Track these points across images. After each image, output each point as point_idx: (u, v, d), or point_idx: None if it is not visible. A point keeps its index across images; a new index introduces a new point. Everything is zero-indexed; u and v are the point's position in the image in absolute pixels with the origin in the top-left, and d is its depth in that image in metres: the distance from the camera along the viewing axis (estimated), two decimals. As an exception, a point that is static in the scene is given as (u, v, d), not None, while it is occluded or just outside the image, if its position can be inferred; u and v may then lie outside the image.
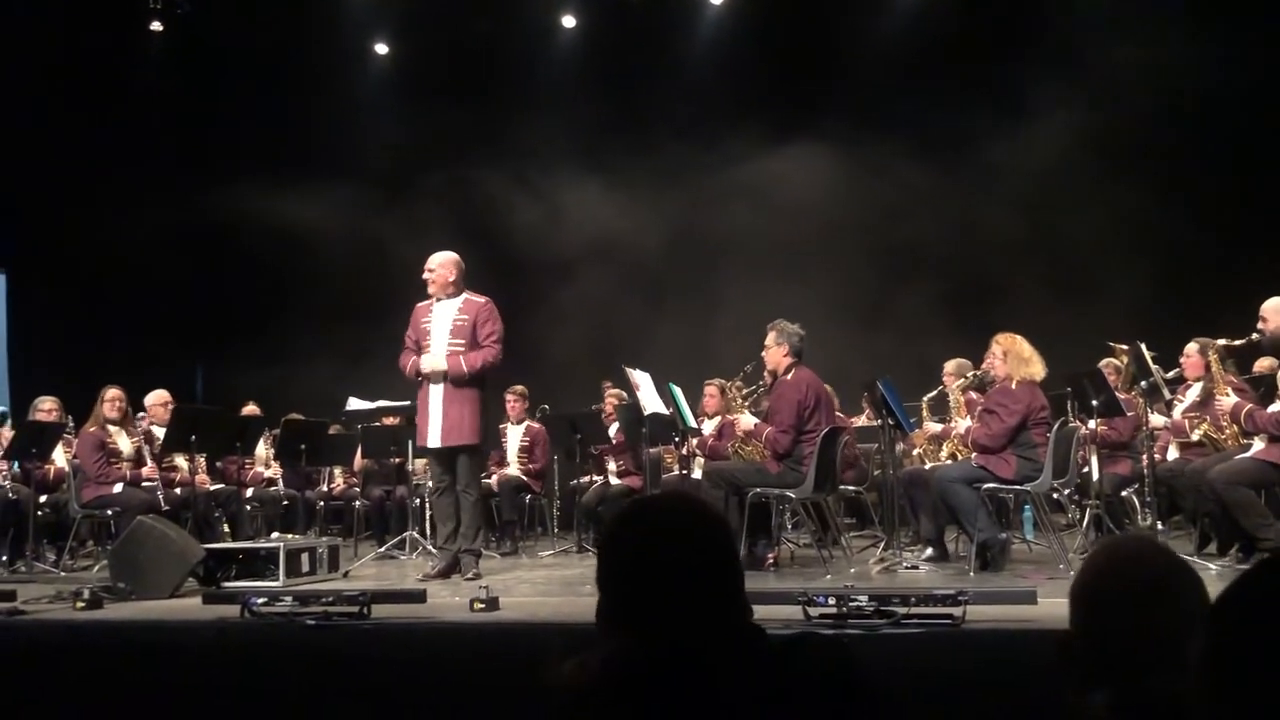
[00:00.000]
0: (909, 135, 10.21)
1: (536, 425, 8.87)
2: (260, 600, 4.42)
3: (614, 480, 8.63)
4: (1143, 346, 6.44)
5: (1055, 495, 6.41)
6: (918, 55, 10.46)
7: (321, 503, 9.12)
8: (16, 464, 7.69)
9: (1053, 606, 4.18)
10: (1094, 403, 6.43)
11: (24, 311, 11.09)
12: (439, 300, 6.43)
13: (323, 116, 11.72)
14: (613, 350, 9.61)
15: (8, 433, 8.04)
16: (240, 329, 11.52)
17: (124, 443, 7.57)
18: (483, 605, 4.47)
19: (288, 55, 11.35)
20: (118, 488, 7.28)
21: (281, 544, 6.08)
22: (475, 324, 6.31)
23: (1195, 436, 6.39)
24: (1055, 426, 6.07)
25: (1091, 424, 6.70)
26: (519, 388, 8.78)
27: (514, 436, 8.79)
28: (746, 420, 6.81)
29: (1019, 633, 3.70)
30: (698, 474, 7.94)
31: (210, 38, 11.63)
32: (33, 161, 10.25)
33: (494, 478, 8.49)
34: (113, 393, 7.61)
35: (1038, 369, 6.11)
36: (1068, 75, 9.74)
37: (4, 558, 7.36)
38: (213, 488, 7.86)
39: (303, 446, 7.99)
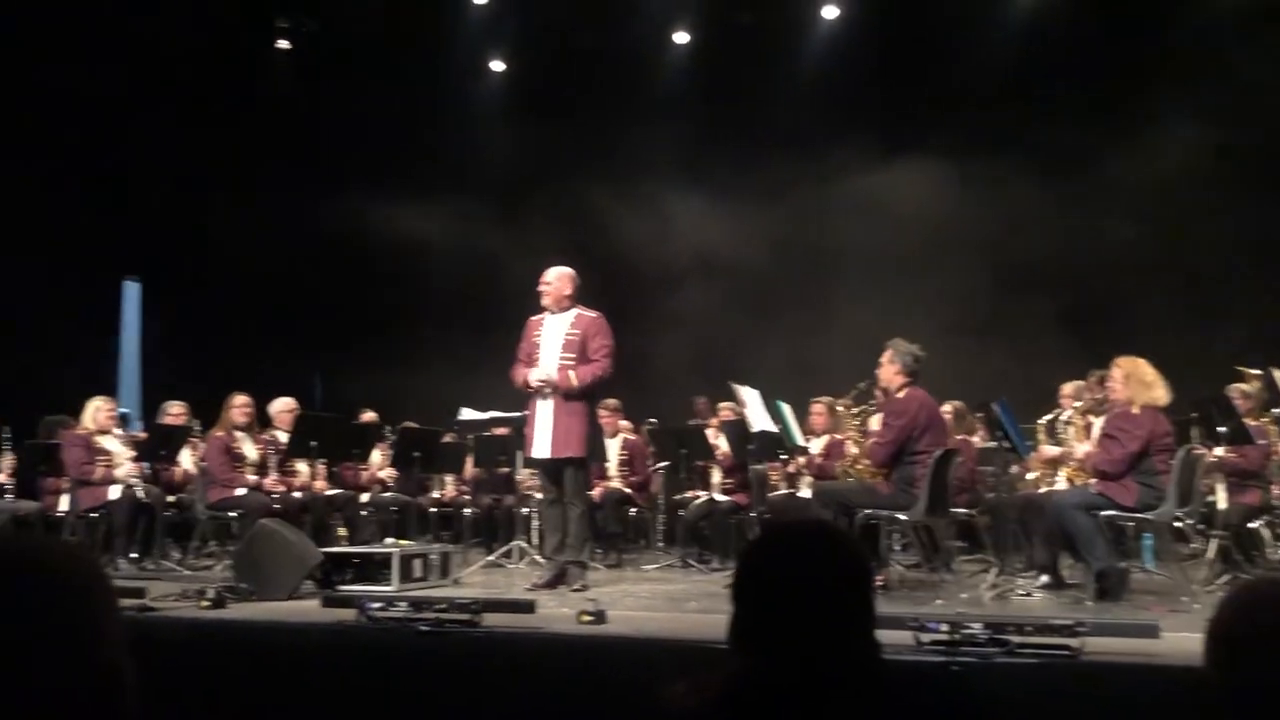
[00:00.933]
0: (1024, 150, 10.02)
1: (634, 438, 8.91)
2: (376, 605, 4.53)
3: (719, 496, 8.61)
4: (1276, 372, 6.19)
5: (1178, 524, 6.18)
6: (1032, 69, 10.27)
7: (433, 509, 9.31)
8: (147, 465, 8.01)
9: (1177, 641, 4.04)
10: (1221, 429, 6.19)
11: (155, 319, 11.57)
12: (552, 314, 6.53)
13: (441, 130, 12.02)
14: (718, 365, 9.60)
15: (138, 435, 8.41)
16: (359, 337, 11.84)
17: (249, 448, 7.83)
18: (590, 618, 4.51)
19: (408, 71, 11.67)
20: (241, 491, 7.54)
21: (396, 549, 6.22)
22: (586, 338, 6.38)
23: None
24: (1180, 453, 5.86)
25: (1218, 451, 6.46)
26: (611, 401, 8.81)
27: (612, 450, 8.82)
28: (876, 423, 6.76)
29: (1141, 668, 3.58)
30: (804, 492, 7.90)
31: (335, 54, 12.03)
32: (165, 174, 10.71)
33: (598, 490, 8.55)
34: (240, 399, 7.88)
35: (1161, 394, 5.90)
36: (1194, 89, 9.44)
37: (134, 555, 7.67)
38: (330, 492, 8.08)
39: (417, 454, 8.16)
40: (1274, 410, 6.26)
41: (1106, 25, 10.17)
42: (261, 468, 7.82)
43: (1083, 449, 6.54)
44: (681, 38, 11.78)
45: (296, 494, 7.72)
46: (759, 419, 7.06)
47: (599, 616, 4.54)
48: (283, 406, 8.23)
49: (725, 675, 1.64)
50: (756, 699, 1.59)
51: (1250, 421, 6.49)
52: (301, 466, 7.82)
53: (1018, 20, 10.63)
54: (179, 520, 8.16)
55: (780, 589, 1.65)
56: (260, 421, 8.13)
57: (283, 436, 7.85)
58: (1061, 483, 6.79)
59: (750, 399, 7.09)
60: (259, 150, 11.55)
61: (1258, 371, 6.76)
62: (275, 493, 7.62)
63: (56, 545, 1.20)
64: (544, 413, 6.40)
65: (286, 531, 6.03)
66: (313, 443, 7.29)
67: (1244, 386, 7.08)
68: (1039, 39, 10.33)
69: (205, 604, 5.13)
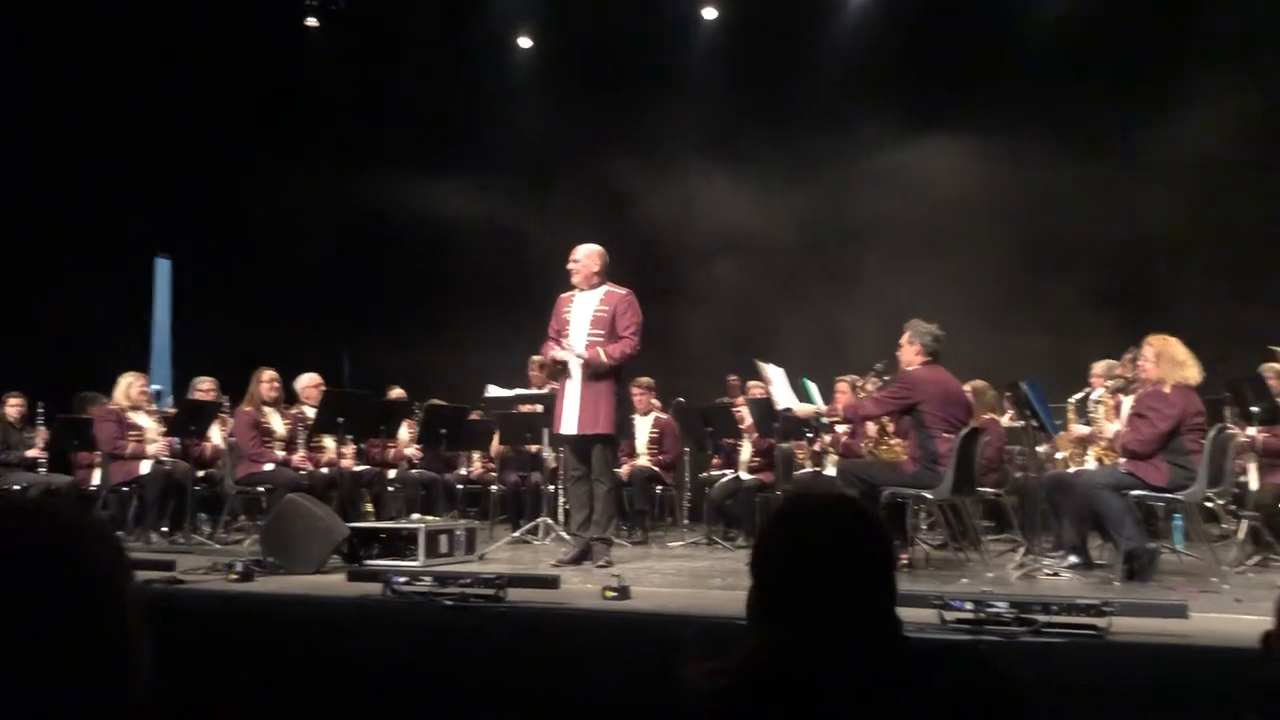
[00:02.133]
0: (1056, 125, 9.90)
1: (665, 416, 8.91)
2: (401, 579, 4.56)
3: (745, 475, 8.60)
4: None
5: (1209, 505, 6.11)
6: (1065, 45, 10.11)
7: (460, 486, 9.36)
8: (178, 440, 8.10)
9: (1205, 622, 4.01)
10: (1254, 409, 6.11)
11: (186, 296, 11.67)
12: (581, 291, 6.54)
13: (469, 108, 12.03)
14: (746, 342, 9.57)
15: (168, 410, 8.50)
16: (387, 314, 11.90)
17: (277, 423, 7.91)
18: (614, 594, 4.52)
19: (437, 48, 11.67)
20: (269, 466, 7.60)
21: (422, 525, 6.26)
22: (615, 315, 6.39)
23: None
24: (1211, 433, 5.79)
25: (1251, 431, 6.38)
26: (645, 379, 8.81)
27: (643, 428, 8.83)
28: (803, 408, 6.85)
29: (1169, 648, 3.55)
30: (830, 471, 7.88)
31: (364, 31, 12.03)
32: (195, 152, 10.77)
33: (625, 468, 8.56)
34: (268, 374, 7.96)
35: (1193, 372, 5.82)
36: (1231, 62, 9.27)
37: (165, 529, 7.76)
38: (358, 469, 8.13)
39: (443, 431, 8.20)
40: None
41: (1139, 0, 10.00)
42: (289, 443, 7.89)
43: (1112, 428, 6.48)
44: (710, 13, 11.70)
45: (324, 470, 7.78)
46: (784, 397, 7.02)
47: (623, 592, 4.55)
48: (309, 382, 8.28)
49: (744, 652, 1.63)
50: (775, 675, 1.58)
51: (1283, 401, 6.40)
52: (328, 442, 7.87)
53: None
54: (209, 495, 8.26)
55: (800, 564, 1.64)
56: (288, 398, 8.19)
57: (310, 412, 7.91)
58: (1091, 462, 6.74)
59: (776, 376, 7.05)
60: (289, 128, 11.60)
61: (1291, 351, 6.66)
62: (303, 468, 7.69)
63: (65, 509, 1.20)
64: (572, 390, 6.43)
65: (314, 506, 6.07)
66: (339, 419, 7.33)
67: (1277, 365, 6.99)
68: (1072, 14, 10.17)
69: (233, 577, 5.20)
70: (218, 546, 7.34)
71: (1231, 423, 6.43)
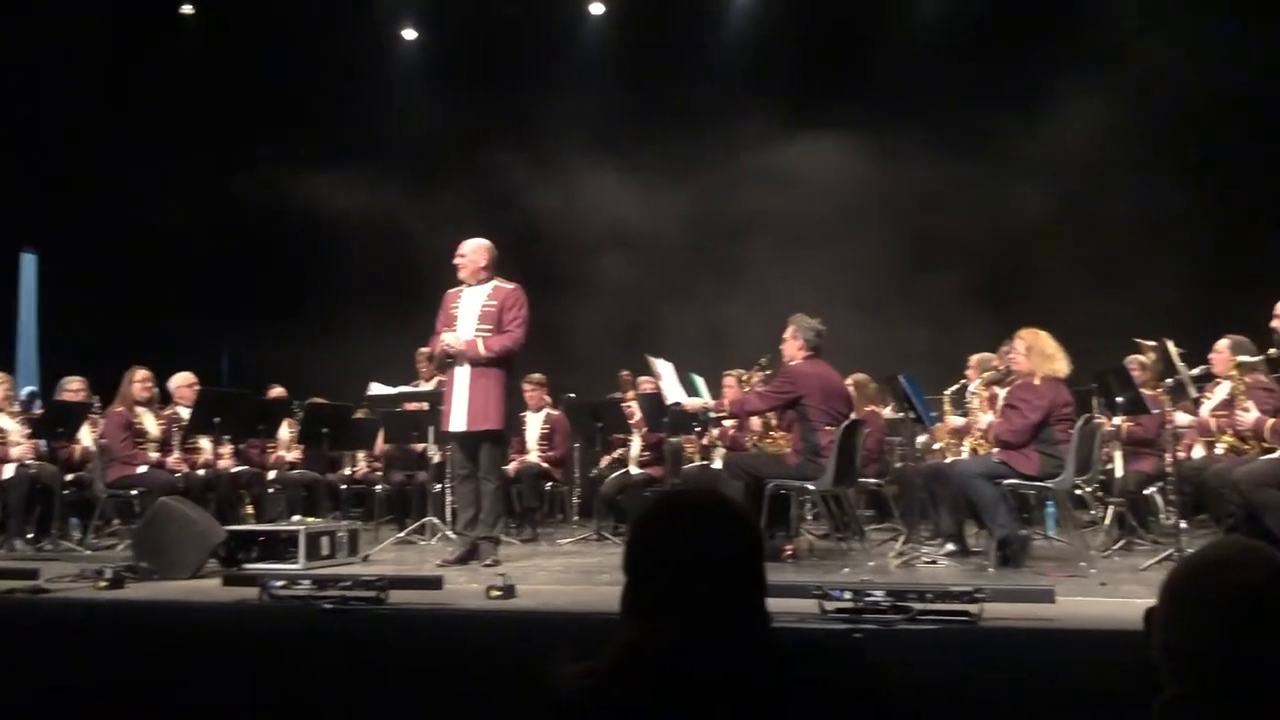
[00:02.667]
0: (935, 124, 10.16)
1: (556, 412, 8.89)
2: (279, 583, 4.44)
3: (634, 470, 8.63)
4: (1170, 343, 6.37)
5: (1078, 492, 6.35)
6: (945, 45, 10.40)
7: (343, 486, 9.18)
8: (45, 442, 7.77)
9: (1072, 605, 4.16)
10: (1119, 399, 6.36)
11: (54, 292, 11.21)
12: (469, 286, 6.47)
13: (352, 101, 11.79)
14: (635, 337, 9.60)
15: (37, 412, 8.14)
16: (267, 311, 11.58)
17: (150, 424, 7.64)
18: (499, 593, 4.48)
19: (319, 39, 11.40)
20: (142, 468, 7.35)
21: (302, 527, 6.12)
22: (502, 309, 6.33)
23: (1220, 449, 6.31)
24: (1079, 423, 6.01)
25: (1116, 420, 6.64)
26: (536, 376, 8.78)
27: (534, 424, 8.80)
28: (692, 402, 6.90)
29: (1036, 631, 3.67)
30: (718, 464, 7.95)
31: (243, 19, 11.69)
32: (64, 141, 10.34)
33: (515, 465, 8.51)
34: (141, 374, 7.69)
35: (1061, 365, 6.04)
36: (1100, 66, 9.67)
37: (30, 535, 7.44)
38: (236, 470, 7.92)
39: (325, 430, 8.04)
40: (1168, 380, 6.43)
41: (1016, 5, 10.31)
42: (164, 445, 7.64)
43: (986, 419, 6.69)
44: (597, 9, 11.69)
45: (200, 471, 7.55)
46: (673, 391, 7.07)
47: (508, 591, 4.51)
48: (182, 381, 8.03)
49: (615, 648, 1.63)
50: (643, 672, 1.58)
51: (1146, 391, 6.67)
52: (205, 443, 7.64)
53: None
54: (78, 499, 7.93)
55: (668, 559, 1.64)
56: (162, 398, 7.93)
57: (184, 412, 7.67)
58: (967, 453, 6.93)
59: (665, 371, 7.10)
60: (165, 118, 11.21)
61: (1153, 343, 6.95)
62: (178, 470, 7.46)
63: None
64: (460, 386, 6.34)
65: (188, 509, 5.89)
66: (215, 419, 7.12)
67: (1141, 358, 7.28)
68: (948, 16, 10.47)
69: (103, 584, 4.99)
70: (88, 553, 7.07)
71: (1098, 413, 6.69)
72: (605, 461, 9.01)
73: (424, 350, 7.96)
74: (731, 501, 1.82)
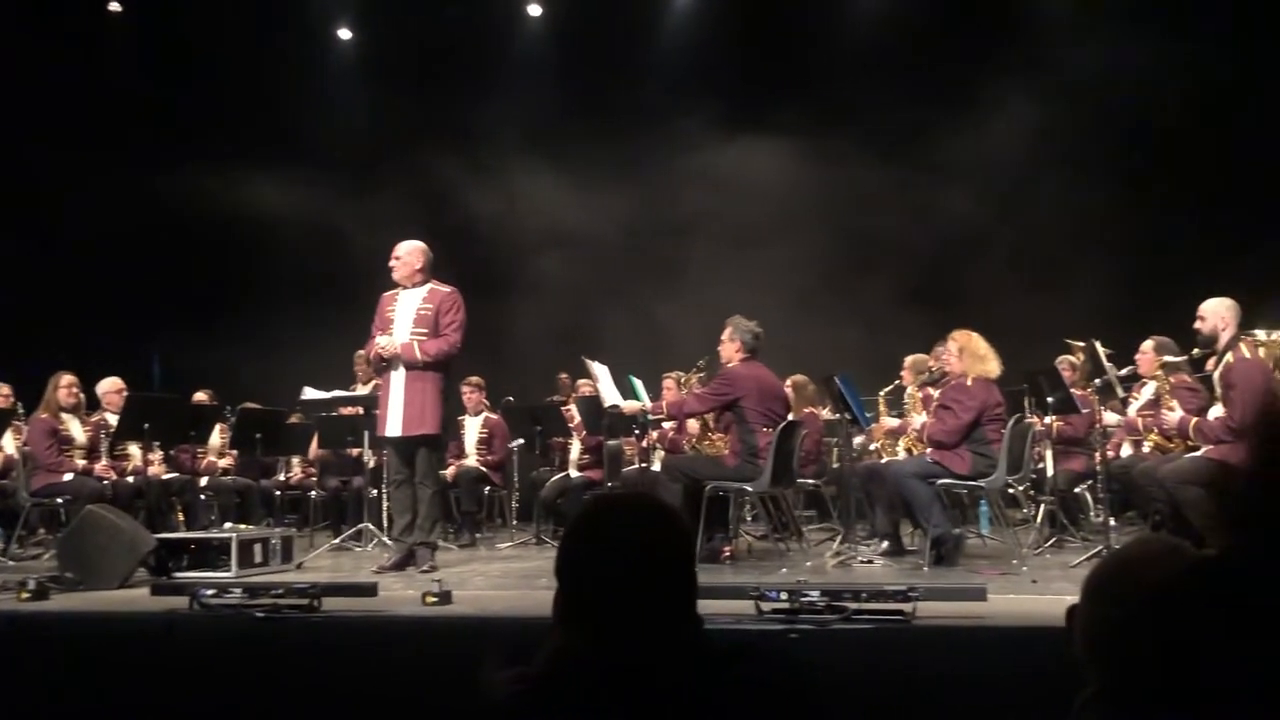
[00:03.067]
0: (871, 127, 10.28)
1: (495, 416, 8.84)
2: (209, 592, 4.37)
3: (574, 473, 8.61)
4: (1098, 344, 6.50)
5: (1010, 491, 6.46)
6: (881, 49, 10.52)
7: (278, 492, 9.04)
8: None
9: (1004, 603, 4.23)
10: (1049, 399, 6.48)
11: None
12: (405, 289, 6.40)
13: (286, 101, 11.58)
14: (573, 339, 9.58)
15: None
16: (199, 315, 11.34)
17: (76, 430, 7.47)
18: (435, 599, 4.44)
19: (251, 38, 11.20)
20: (68, 476, 7.17)
21: (234, 535, 6.02)
22: (439, 313, 6.28)
23: (1146, 448, 6.46)
24: (1010, 423, 6.12)
25: (1047, 420, 6.76)
26: (475, 379, 8.73)
27: (472, 428, 8.74)
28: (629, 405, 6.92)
29: (968, 629, 3.72)
30: (657, 466, 7.95)
31: (173, 16, 11.46)
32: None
33: (452, 469, 8.45)
34: (67, 379, 7.51)
35: (993, 366, 6.14)
36: (1032, 73, 9.84)
37: (-49, 546, 7.24)
38: (166, 477, 7.76)
39: (258, 435, 7.91)
40: (1097, 381, 6.57)
41: (948, 11, 10.46)
42: (91, 451, 7.46)
43: (920, 420, 6.77)
44: (535, 10, 11.65)
45: (129, 478, 7.39)
46: (611, 394, 7.06)
47: (444, 597, 4.48)
48: (110, 387, 7.86)
49: (546, 653, 1.62)
50: (573, 677, 1.57)
51: (1076, 391, 6.81)
52: (134, 450, 7.49)
53: (864, 2, 10.91)
54: (2, 508, 7.72)
55: (598, 563, 1.63)
56: (90, 404, 7.76)
57: (112, 418, 7.50)
58: (902, 453, 7.02)
59: (601, 374, 7.09)
60: (89, 117, 10.94)
61: (1082, 344, 7.09)
62: (105, 478, 7.29)
63: None
64: (396, 390, 6.27)
65: (116, 518, 5.77)
66: (145, 424, 6.96)
67: (1071, 358, 7.43)
68: (882, 21, 10.60)
69: (25, 595, 4.87)
70: (11, 563, 6.88)
71: (1029, 412, 6.81)
72: (554, 467, 8.97)
73: (361, 353, 7.88)
74: (661, 504, 1.82)
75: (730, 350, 6.46)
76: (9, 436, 7.82)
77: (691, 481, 6.20)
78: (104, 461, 7.45)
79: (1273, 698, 1.01)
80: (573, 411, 8.65)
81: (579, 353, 7.63)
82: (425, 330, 6.26)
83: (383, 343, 6.25)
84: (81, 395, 7.61)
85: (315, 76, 11.85)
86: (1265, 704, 1.01)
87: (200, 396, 8.73)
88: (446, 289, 6.40)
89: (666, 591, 1.63)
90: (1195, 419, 5.76)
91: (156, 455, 7.71)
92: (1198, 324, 5.81)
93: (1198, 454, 5.62)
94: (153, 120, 11.39)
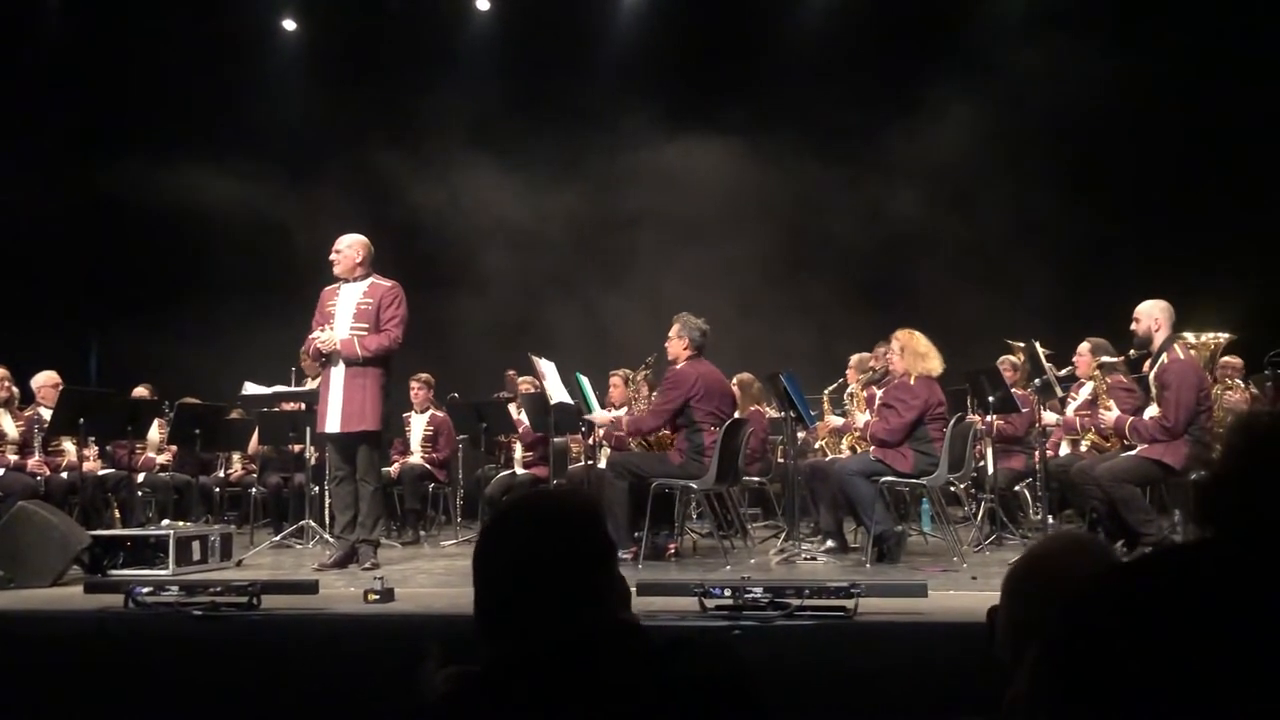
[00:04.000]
0: (816, 126, 10.35)
1: (441, 414, 8.77)
2: (145, 590, 4.29)
3: (520, 470, 8.57)
4: (1037, 344, 6.60)
5: (952, 489, 6.54)
6: (827, 51, 10.61)
7: (217, 489, 8.89)
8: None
9: (944, 599, 4.27)
10: (990, 399, 6.56)
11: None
12: (346, 283, 6.31)
13: (227, 91, 11.40)
14: (519, 337, 9.54)
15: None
16: (137, 308, 11.14)
17: (8, 424, 7.30)
18: (377, 596, 4.41)
19: (192, 27, 11.01)
20: (-1, 471, 7.02)
21: (171, 531, 5.92)
22: (380, 308, 6.20)
23: (1084, 447, 6.57)
24: (952, 422, 6.19)
25: (988, 419, 6.85)
26: (423, 375, 8.66)
27: (418, 425, 8.67)
28: (600, 415, 7.05)
29: (909, 625, 3.76)
30: (603, 464, 7.94)
31: (112, 4, 11.23)
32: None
33: (396, 466, 8.37)
34: (-1, 373, 7.34)
35: (935, 365, 6.21)
36: (975, 76, 9.97)
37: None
38: (102, 472, 7.61)
39: (197, 431, 7.78)
40: (1036, 380, 6.67)
41: (898, 12, 10.56)
42: (24, 446, 7.29)
43: (863, 418, 6.83)
44: (483, 4, 11.57)
45: (63, 474, 7.23)
46: (557, 391, 7.04)
47: (386, 595, 4.45)
48: (45, 381, 7.69)
49: (483, 658, 1.59)
50: (506, 678, 1.55)
51: (1017, 391, 6.90)
52: (68, 445, 7.33)
53: (813, 3, 10.99)
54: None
55: (519, 563, 1.60)
56: (23, 397, 7.58)
57: (46, 413, 7.33)
58: (846, 451, 7.07)
59: (548, 370, 7.07)
60: (25, 104, 10.68)
61: (1022, 344, 7.19)
62: (39, 473, 7.13)
63: None
64: (335, 386, 6.19)
65: (48, 514, 5.66)
66: (80, 419, 6.81)
67: (1012, 358, 7.54)
68: (832, 21, 10.69)
69: (-46, 594, 4.76)
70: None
71: (971, 412, 6.89)
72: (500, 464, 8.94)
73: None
74: (583, 499, 1.79)
75: (678, 347, 6.46)
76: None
77: (637, 479, 6.20)
78: (37, 457, 7.28)
79: (1196, 695, 1.02)
80: (518, 411, 8.61)
81: (526, 349, 7.61)
82: (366, 325, 6.18)
83: (321, 338, 6.16)
84: (14, 389, 7.44)
85: (259, 67, 11.68)
86: (1186, 702, 1.02)
87: (140, 391, 8.55)
88: (388, 283, 6.32)
89: (575, 577, 1.59)
90: (1131, 418, 5.87)
91: (92, 450, 7.55)
92: (1133, 325, 5.92)
93: (1133, 453, 5.73)
94: (91, 106, 11.16)
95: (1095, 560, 1.67)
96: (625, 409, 8.01)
